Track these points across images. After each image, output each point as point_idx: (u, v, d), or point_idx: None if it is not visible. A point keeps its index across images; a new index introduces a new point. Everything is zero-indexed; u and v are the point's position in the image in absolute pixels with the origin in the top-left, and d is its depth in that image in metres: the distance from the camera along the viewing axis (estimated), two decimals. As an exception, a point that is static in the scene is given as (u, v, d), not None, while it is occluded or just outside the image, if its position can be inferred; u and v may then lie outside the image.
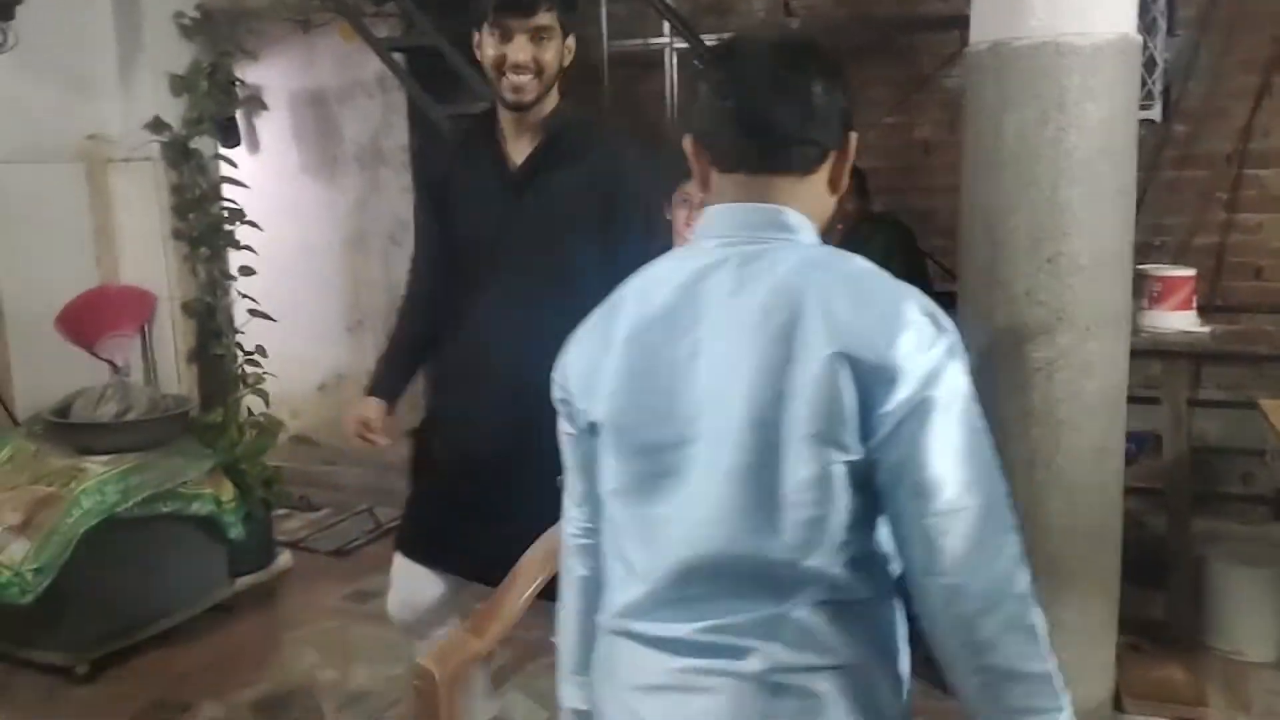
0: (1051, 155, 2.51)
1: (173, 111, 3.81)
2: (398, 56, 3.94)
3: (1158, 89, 3.88)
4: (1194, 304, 3.13)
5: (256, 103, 4.16)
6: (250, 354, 3.94)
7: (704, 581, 1.13)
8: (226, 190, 3.91)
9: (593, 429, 1.22)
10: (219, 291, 3.87)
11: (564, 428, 1.30)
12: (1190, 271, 3.14)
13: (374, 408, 2.19)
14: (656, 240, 2.03)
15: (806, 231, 1.19)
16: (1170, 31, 3.87)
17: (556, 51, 1.94)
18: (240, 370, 3.94)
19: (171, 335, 3.79)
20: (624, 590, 1.21)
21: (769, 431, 1.09)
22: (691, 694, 1.14)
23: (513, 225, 2.00)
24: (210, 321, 3.87)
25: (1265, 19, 3.83)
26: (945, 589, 1.10)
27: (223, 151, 3.95)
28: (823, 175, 1.21)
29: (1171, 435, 3.14)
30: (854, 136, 1.23)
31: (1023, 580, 1.13)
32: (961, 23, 2.69)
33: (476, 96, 4.16)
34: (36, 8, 3.36)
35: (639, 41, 4.45)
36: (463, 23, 4.07)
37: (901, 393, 1.06)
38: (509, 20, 1.87)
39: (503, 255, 2.01)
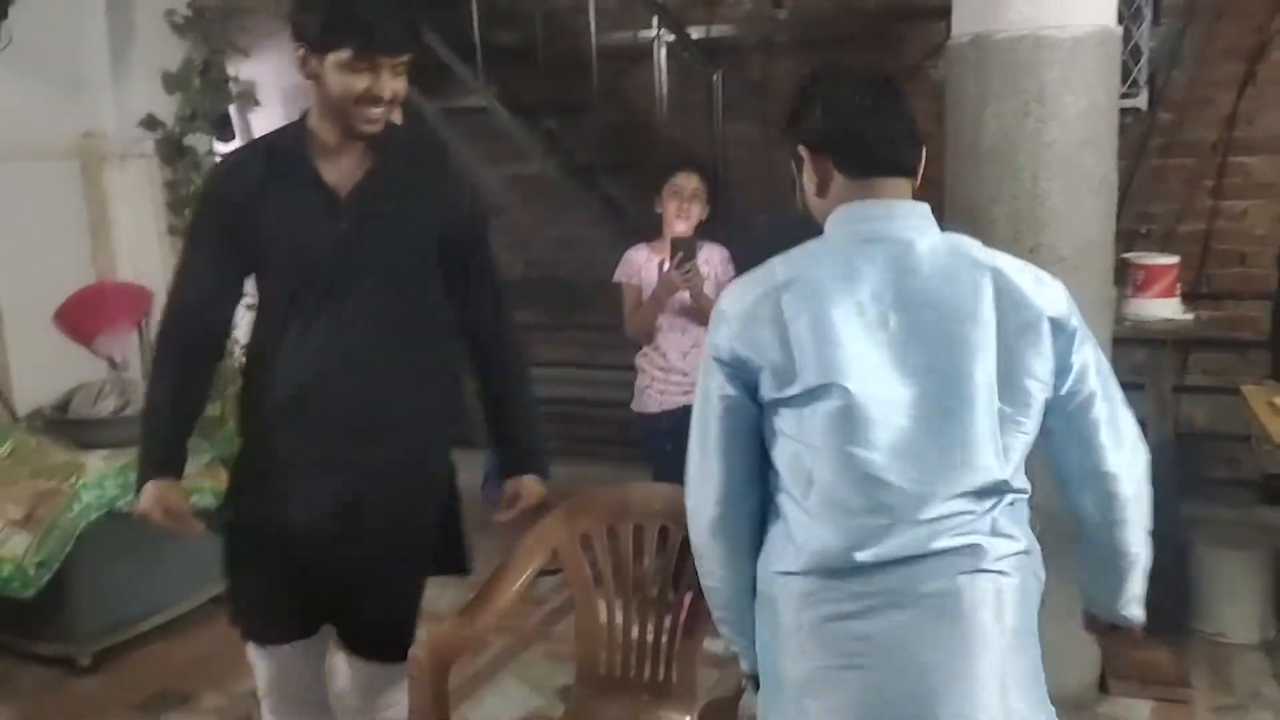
0: (1032, 147, 2.55)
1: (166, 108, 3.84)
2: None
3: (1143, 78, 3.93)
4: (1177, 291, 3.16)
5: (249, 99, 4.18)
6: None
7: None
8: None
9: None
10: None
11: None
12: (1173, 259, 3.18)
13: (176, 491, 1.90)
14: (489, 256, 2.02)
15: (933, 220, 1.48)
16: (1155, 21, 3.91)
17: (405, 79, 1.84)
18: (238, 364, 3.97)
19: (168, 331, 3.82)
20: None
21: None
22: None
23: (342, 252, 1.83)
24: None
25: (1249, 7, 3.86)
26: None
27: (217, 147, 3.97)
28: (918, 177, 1.51)
29: (1156, 421, 3.18)
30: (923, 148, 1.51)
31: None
32: (948, 14, 2.71)
33: (466, 90, 4.19)
34: (30, 7, 3.38)
35: (628, 34, 4.47)
36: (453, 18, 4.12)
37: (1074, 337, 1.45)
38: (378, 56, 1.75)
39: (333, 285, 1.83)
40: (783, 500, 1.42)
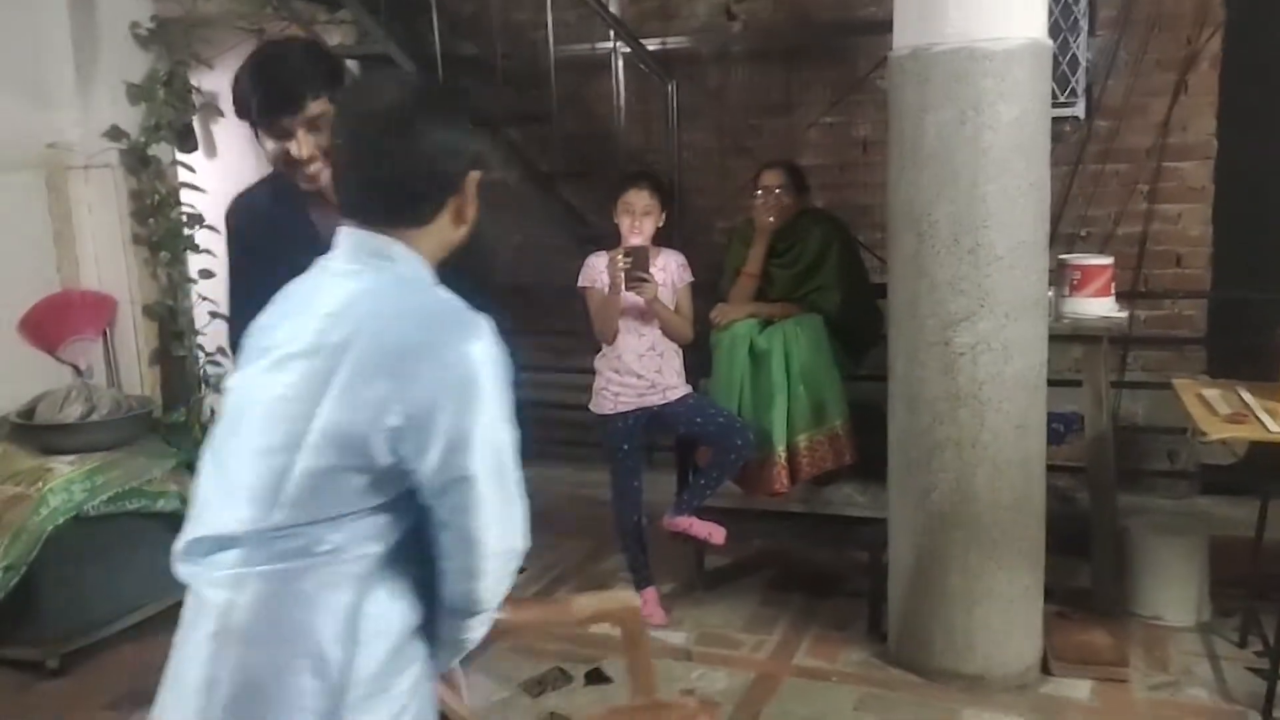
0: (969, 153, 2.68)
1: (131, 119, 3.89)
2: (351, 64, 4.03)
3: (1081, 87, 4.10)
4: (1112, 290, 3.31)
5: (213, 109, 4.24)
6: (212, 355, 4.03)
7: None
8: (185, 195, 4.00)
9: None
10: (179, 294, 3.96)
11: None
12: (1108, 260, 3.32)
13: None
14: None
15: None
16: (1092, 32, 4.08)
17: None
18: (202, 371, 4.03)
19: (133, 338, 3.87)
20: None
21: None
22: None
23: None
24: (172, 324, 3.95)
25: (1180, 20, 4.03)
26: None
27: (180, 157, 4.03)
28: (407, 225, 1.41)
29: (1093, 415, 3.32)
30: None
31: None
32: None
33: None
34: (-7, 19, 3.43)
35: (586, 46, 4.58)
36: (414, 30, 4.20)
37: None
38: (281, 119, 1.77)
39: None
40: None
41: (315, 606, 1.26)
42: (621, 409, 3.39)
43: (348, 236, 1.35)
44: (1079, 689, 2.94)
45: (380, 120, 1.29)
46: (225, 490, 1.30)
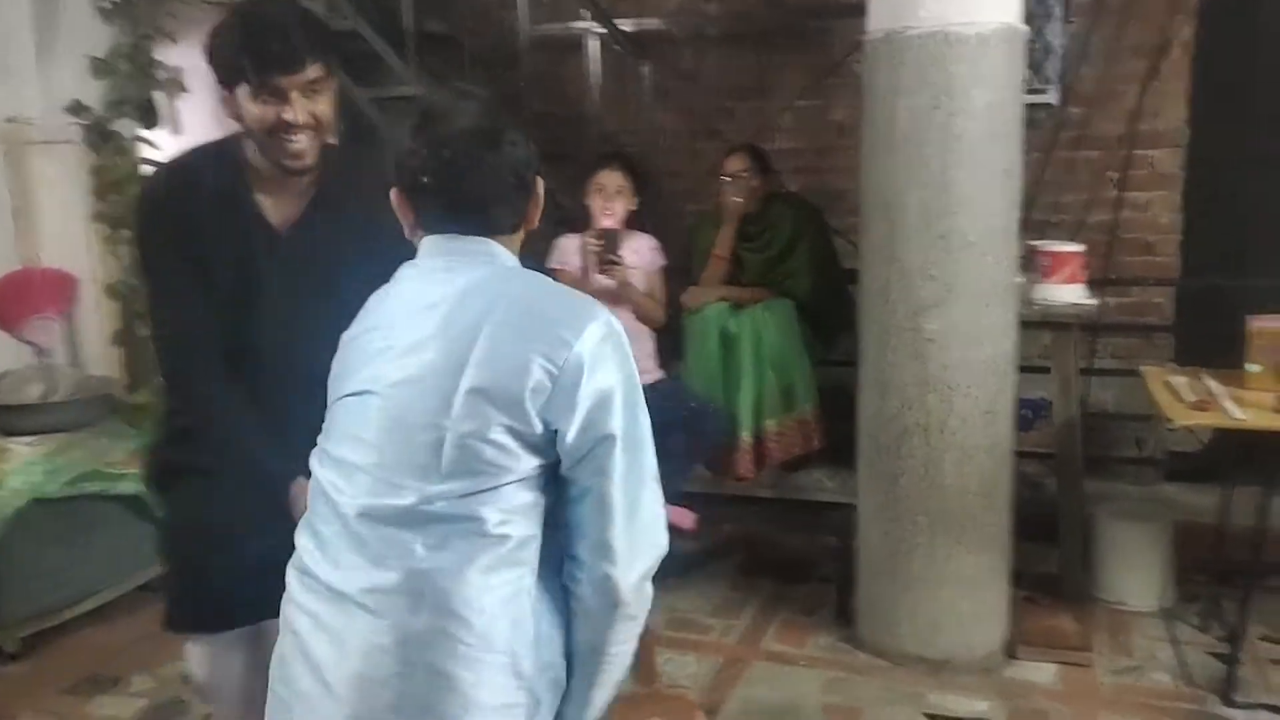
0: (941, 138, 2.67)
1: (93, 94, 3.80)
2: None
3: (1054, 74, 4.08)
4: (1083, 277, 3.32)
5: (177, 85, 4.14)
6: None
7: None
8: (148, 172, 3.92)
9: None
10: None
11: None
12: (1078, 247, 3.33)
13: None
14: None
15: None
16: (1066, 19, 4.06)
17: (330, 102, 1.73)
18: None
19: (96, 317, 3.79)
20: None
21: None
22: None
23: (276, 292, 1.77)
24: (135, 304, 3.88)
25: (1152, 8, 4.04)
26: None
27: (143, 133, 3.95)
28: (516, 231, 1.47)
29: (1061, 401, 3.34)
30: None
31: None
32: (868, 11, 2.82)
33: (398, 80, 4.22)
34: (-49, -9, 3.34)
35: (559, 25, 4.54)
36: (383, 5, 4.14)
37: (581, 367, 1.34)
38: (278, 79, 1.65)
39: (266, 323, 1.77)
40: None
41: (486, 590, 1.27)
42: (592, 392, 3.37)
43: (441, 242, 1.38)
44: (1043, 672, 2.96)
45: (473, 137, 1.35)
46: (380, 473, 1.30)
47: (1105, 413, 4.22)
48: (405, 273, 1.41)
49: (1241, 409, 2.77)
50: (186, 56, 4.29)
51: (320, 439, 1.41)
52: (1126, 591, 3.33)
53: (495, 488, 1.27)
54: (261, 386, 1.79)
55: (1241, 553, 2.94)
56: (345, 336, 1.43)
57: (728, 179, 3.50)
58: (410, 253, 1.43)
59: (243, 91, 1.67)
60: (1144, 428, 4.15)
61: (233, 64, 1.67)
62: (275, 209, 1.78)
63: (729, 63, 4.66)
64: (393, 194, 1.41)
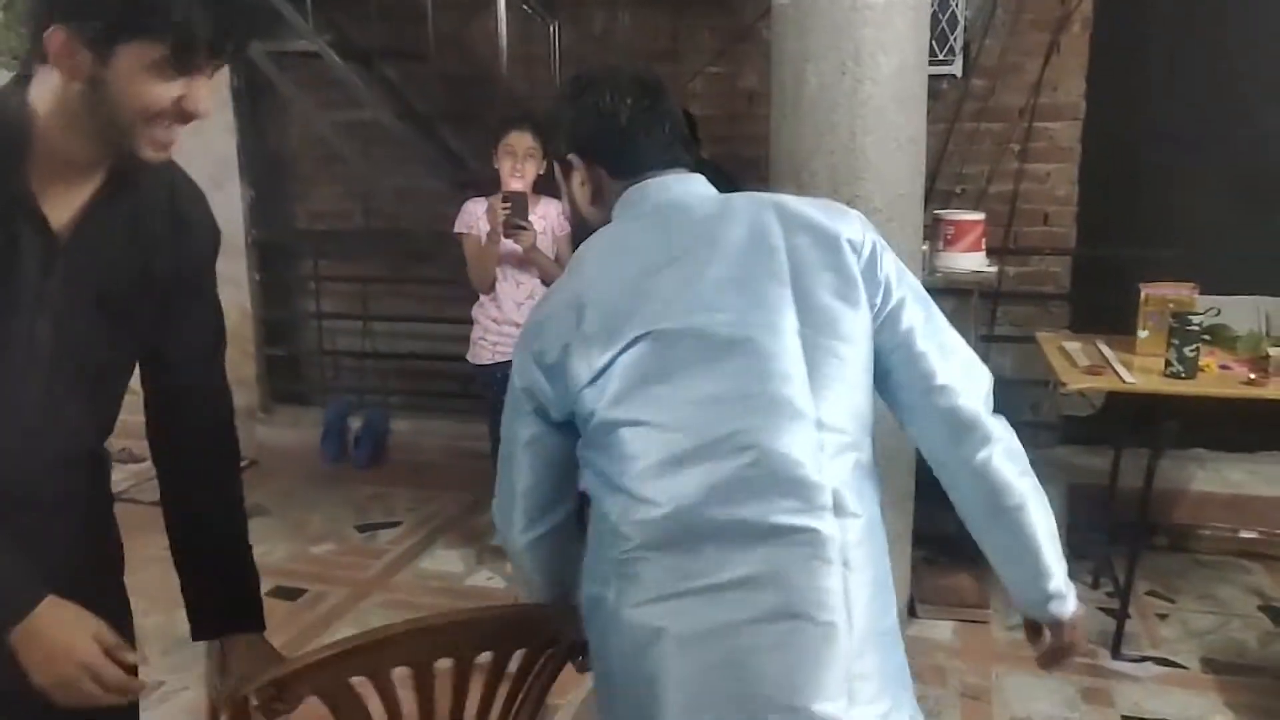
0: (848, 104, 2.68)
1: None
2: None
3: (959, 45, 4.15)
4: (983, 246, 3.38)
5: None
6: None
7: None
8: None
9: None
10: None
11: None
12: (979, 216, 3.39)
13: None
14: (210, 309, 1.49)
15: None
16: (970, -9, 4.13)
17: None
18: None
19: None
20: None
21: None
22: None
23: (48, 306, 1.28)
24: None
25: (1054, -19, 4.12)
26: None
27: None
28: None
29: (963, 367, 3.40)
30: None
31: None
32: (779, -24, 2.80)
33: (295, 35, 4.07)
34: None
35: (468, -18, 4.43)
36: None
37: (875, 255, 1.42)
38: (204, 60, 1.20)
39: (31, 335, 1.28)
40: None
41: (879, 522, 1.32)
42: (500, 359, 3.32)
43: (671, 179, 1.41)
44: (942, 630, 3.05)
45: (657, 84, 1.46)
46: (768, 410, 1.25)
47: (1003, 378, 4.30)
48: (660, 208, 1.40)
49: (1132, 373, 2.87)
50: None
51: None
52: (1022, 551, 3.43)
53: (856, 404, 1.36)
54: None
55: (1131, 513, 3.06)
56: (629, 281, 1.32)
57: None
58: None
59: (140, 55, 1.16)
60: (1040, 393, 4.27)
61: (153, 14, 1.14)
62: (55, 204, 1.25)
63: (640, 25, 4.61)
64: (572, 162, 1.45)
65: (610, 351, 1.27)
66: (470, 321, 3.46)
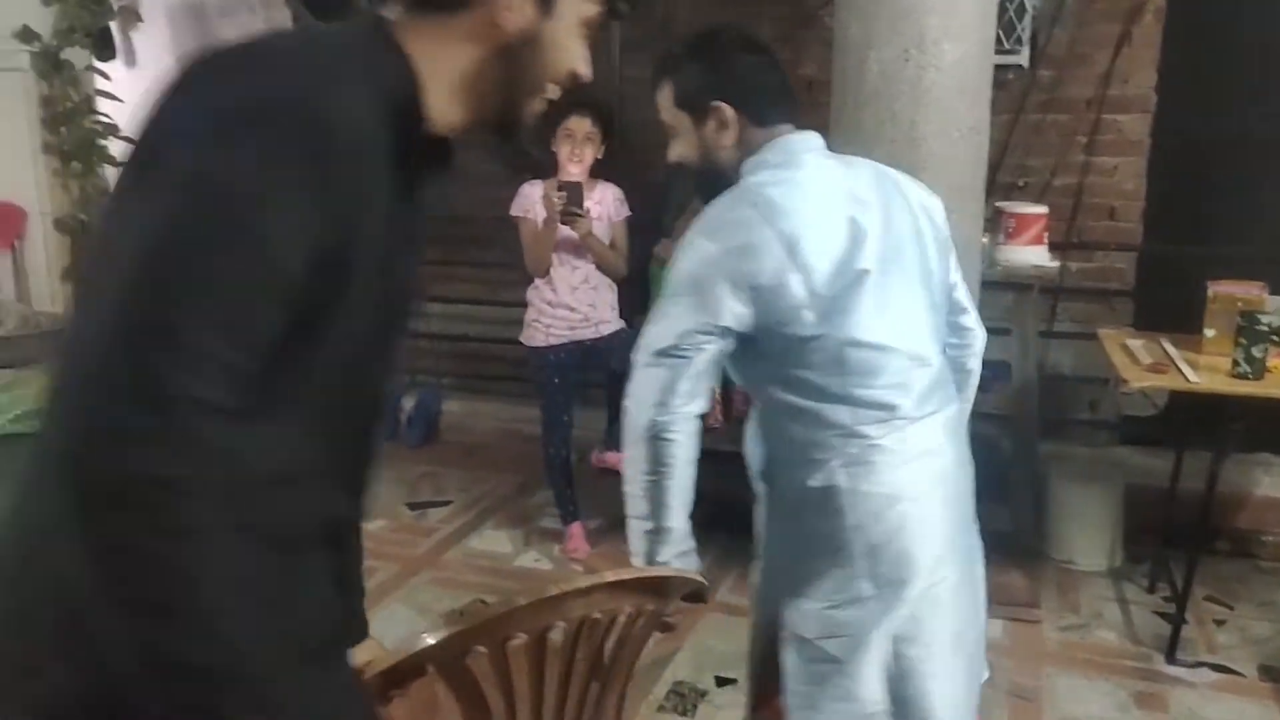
0: (910, 93, 2.64)
1: (43, 21, 3.68)
2: None
3: (1026, 35, 4.07)
4: (1045, 240, 3.32)
5: (131, 15, 4.02)
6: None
7: None
8: (101, 104, 3.81)
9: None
10: (93, 208, 3.79)
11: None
12: (1042, 209, 3.33)
13: None
14: None
15: None
16: (1040, -21, 4.04)
17: None
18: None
19: (43, 252, 3.70)
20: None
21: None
22: None
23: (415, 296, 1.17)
24: (84, 239, 3.78)
25: (1127, -30, 4.02)
26: None
27: (96, 64, 3.83)
28: None
29: (1020, 363, 3.36)
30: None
31: None
32: (841, -38, 2.77)
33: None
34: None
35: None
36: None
37: (946, 233, 1.82)
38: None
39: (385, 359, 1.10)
40: None
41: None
42: (553, 342, 3.34)
43: (809, 135, 1.63)
44: (992, 628, 2.97)
45: (756, 40, 1.69)
46: (911, 341, 1.59)
47: (1061, 375, 4.25)
48: (807, 168, 1.60)
49: (1196, 373, 2.80)
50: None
51: None
52: (1076, 551, 3.38)
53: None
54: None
55: (1190, 516, 2.99)
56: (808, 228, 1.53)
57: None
58: None
59: (590, 4, 1.05)
60: (1099, 391, 4.18)
61: None
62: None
63: (701, 13, 4.58)
64: (717, 108, 1.59)
65: (840, 281, 1.52)
66: (524, 304, 3.47)
